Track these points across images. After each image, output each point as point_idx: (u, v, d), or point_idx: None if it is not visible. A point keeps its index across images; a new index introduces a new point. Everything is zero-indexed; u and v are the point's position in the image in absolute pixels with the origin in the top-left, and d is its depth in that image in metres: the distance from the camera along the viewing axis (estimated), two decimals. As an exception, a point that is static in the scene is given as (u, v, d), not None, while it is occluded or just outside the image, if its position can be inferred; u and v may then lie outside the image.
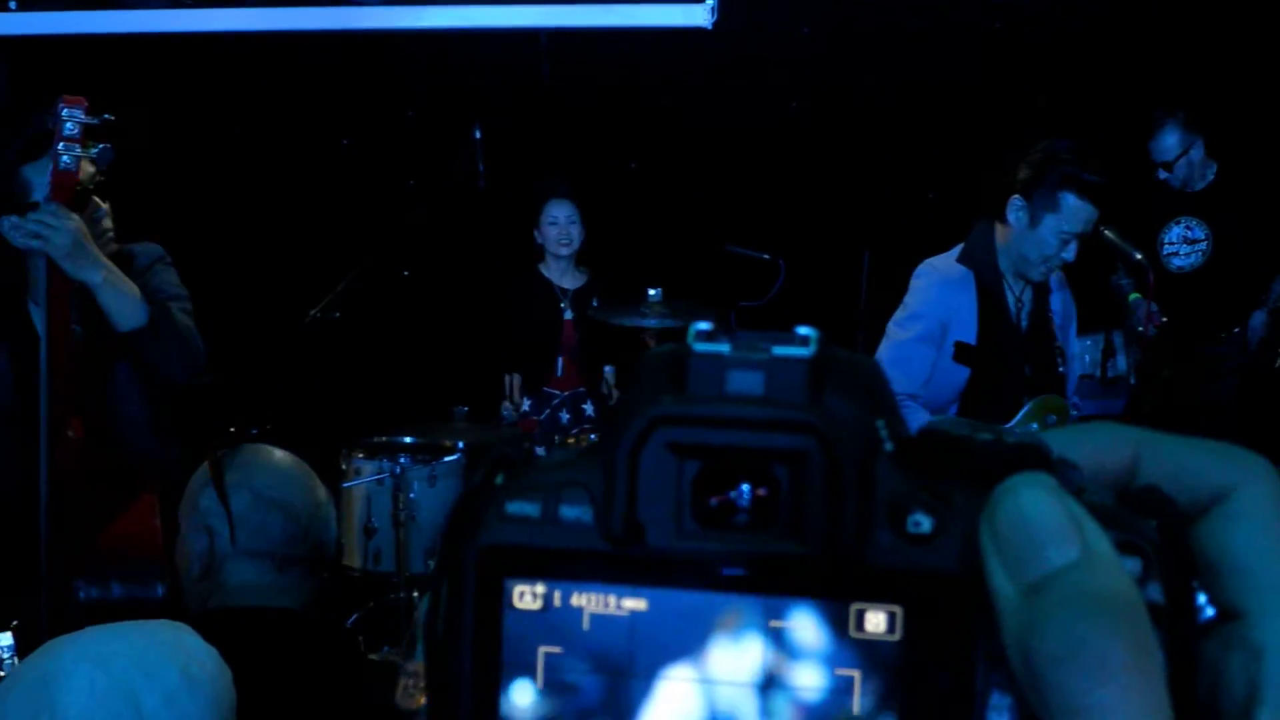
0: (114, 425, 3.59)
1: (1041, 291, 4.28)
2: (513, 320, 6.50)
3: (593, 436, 5.93)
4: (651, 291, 5.93)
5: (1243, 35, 6.88)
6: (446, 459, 6.09)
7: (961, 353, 4.17)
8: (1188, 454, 0.51)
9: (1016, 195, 4.16)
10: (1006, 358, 4.21)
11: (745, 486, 0.47)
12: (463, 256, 7.18)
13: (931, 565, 0.45)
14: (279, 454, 2.56)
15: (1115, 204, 4.18)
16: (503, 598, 0.48)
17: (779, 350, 0.47)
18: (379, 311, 6.90)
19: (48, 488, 3.27)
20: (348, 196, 7.17)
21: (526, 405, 6.47)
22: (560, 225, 6.38)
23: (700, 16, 6.92)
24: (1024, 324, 4.25)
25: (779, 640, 0.46)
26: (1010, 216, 4.18)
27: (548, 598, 0.47)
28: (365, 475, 5.99)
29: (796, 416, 0.46)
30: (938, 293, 4.20)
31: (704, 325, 0.49)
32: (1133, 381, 5.40)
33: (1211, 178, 6.31)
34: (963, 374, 4.19)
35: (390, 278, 6.89)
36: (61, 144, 3.31)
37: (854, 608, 0.46)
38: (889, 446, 0.46)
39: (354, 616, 5.95)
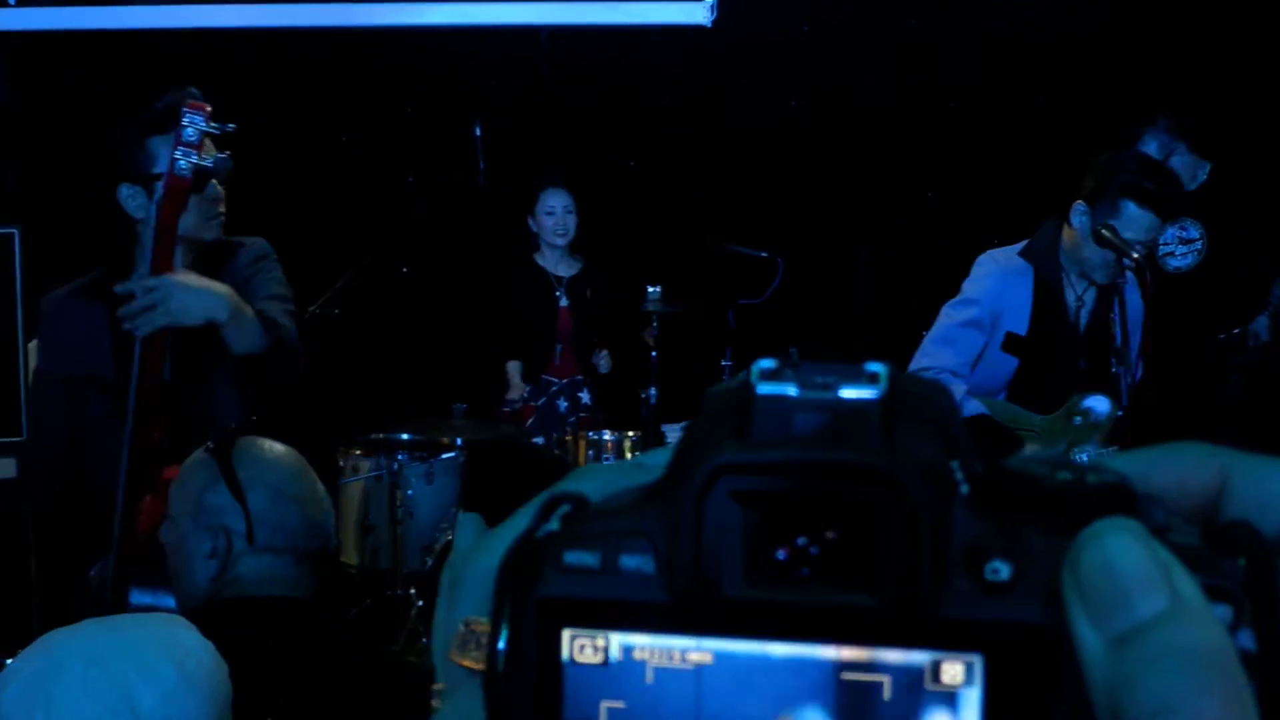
0: (205, 432, 3.57)
1: (1108, 294, 4.32)
2: (509, 309, 6.51)
3: (590, 434, 5.94)
4: (651, 288, 5.93)
5: (1241, 34, 6.88)
6: (444, 456, 6.09)
7: (1010, 342, 4.29)
8: (1277, 476, 0.49)
9: (1080, 201, 4.25)
10: (1058, 353, 4.30)
11: (814, 535, 0.45)
12: (462, 254, 7.17)
13: (1011, 615, 0.43)
14: (279, 447, 2.55)
15: (1180, 213, 4.18)
16: (561, 651, 0.46)
17: (847, 390, 0.45)
18: (378, 308, 6.89)
19: (125, 490, 3.24)
20: (347, 193, 7.16)
21: (526, 392, 6.48)
22: (557, 215, 6.39)
23: (699, 15, 6.92)
24: (1083, 322, 4.32)
25: (851, 694, 0.44)
26: (1074, 221, 4.27)
27: (608, 650, 0.46)
28: (363, 472, 5.99)
29: (867, 461, 0.44)
30: (993, 282, 4.33)
31: (768, 364, 0.46)
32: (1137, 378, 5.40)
33: (1204, 178, 6.30)
34: (1011, 363, 4.31)
35: (389, 275, 6.88)
36: (179, 149, 3.26)
37: (930, 659, 0.44)
38: (964, 490, 0.44)
39: (352, 613, 5.94)
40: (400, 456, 5.92)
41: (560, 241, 6.44)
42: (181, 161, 3.25)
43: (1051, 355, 4.31)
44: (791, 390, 0.46)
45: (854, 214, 7.21)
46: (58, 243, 4.35)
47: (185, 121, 3.25)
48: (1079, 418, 4.25)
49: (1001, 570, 0.43)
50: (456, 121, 6.27)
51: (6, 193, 6.58)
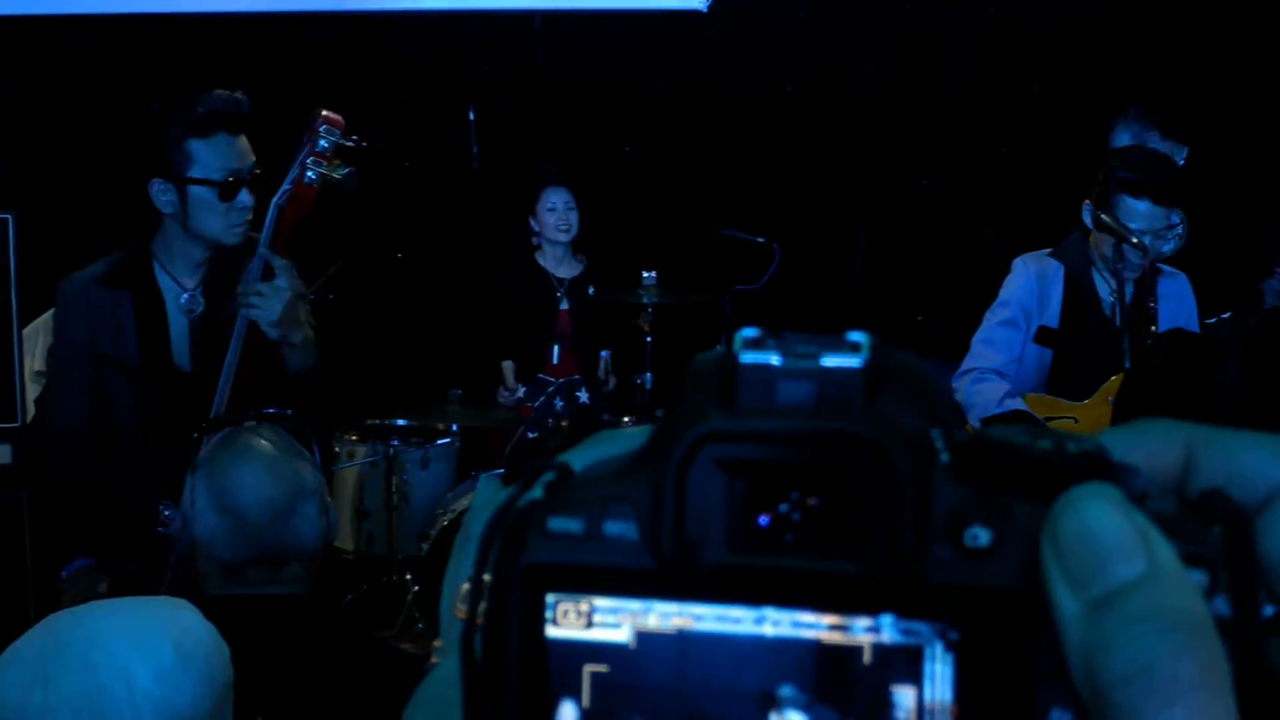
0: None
1: (1144, 287, 4.50)
2: (509, 309, 6.51)
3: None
4: (646, 274, 5.93)
5: (1237, 24, 6.88)
6: (439, 442, 6.10)
7: (1042, 335, 4.52)
8: (1242, 449, 0.49)
9: (1087, 201, 4.45)
10: (1093, 344, 4.48)
11: (796, 502, 0.45)
12: (456, 239, 7.17)
13: (991, 581, 0.43)
14: (260, 450, 2.52)
15: (1181, 199, 4.39)
16: (545, 615, 0.46)
17: (829, 359, 0.46)
18: (372, 295, 6.89)
19: None
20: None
21: (521, 392, 6.47)
22: (558, 212, 6.38)
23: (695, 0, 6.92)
24: (1119, 317, 4.44)
25: (832, 658, 0.45)
26: (1087, 221, 4.48)
27: (591, 615, 0.46)
28: (358, 458, 5.99)
29: (849, 429, 0.44)
30: (1022, 281, 4.56)
31: (751, 332, 0.47)
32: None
33: (1181, 162, 6.31)
34: (1045, 357, 4.53)
35: (384, 260, 6.88)
36: (310, 158, 3.30)
37: (910, 625, 0.44)
38: (945, 457, 0.45)
39: (347, 599, 5.94)
40: (395, 442, 5.93)
41: (563, 238, 6.42)
42: (311, 171, 3.34)
43: (1086, 347, 4.51)
44: (775, 359, 0.46)
45: (849, 200, 7.22)
46: (50, 228, 4.34)
47: (321, 132, 3.28)
48: (1114, 399, 4.33)
49: (981, 537, 0.44)
50: (450, 107, 6.26)
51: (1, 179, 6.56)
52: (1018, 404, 4.36)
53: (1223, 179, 6.29)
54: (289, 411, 2.69)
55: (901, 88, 7.22)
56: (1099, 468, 0.45)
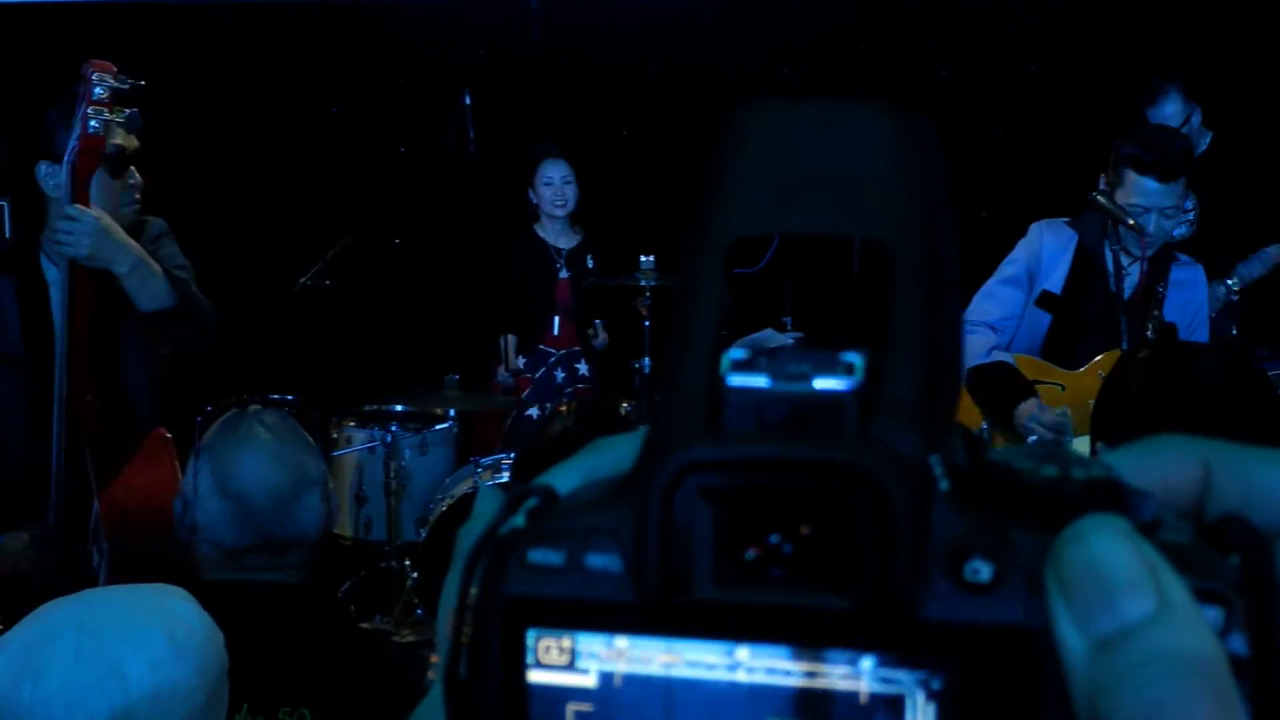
0: (122, 391, 3.59)
1: (1156, 267, 4.49)
2: (509, 281, 6.52)
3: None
4: (644, 258, 5.91)
5: (1239, 4, 6.87)
6: (438, 427, 6.08)
7: (1044, 299, 4.53)
8: (1263, 469, 0.47)
9: (1101, 177, 4.48)
10: (1093, 315, 4.50)
11: (786, 534, 0.43)
12: (455, 223, 7.16)
13: (993, 617, 0.41)
14: (264, 435, 2.50)
15: (1188, 176, 4.38)
16: (526, 652, 0.44)
17: (821, 381, 0.43)
18: (370, 279, 6.87)
19: (62, 448, 3.27)
20: (338, 164, 7.14)
21: (521, 364, 6.49)
22: (555, 186, 6.40)
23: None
24: (1126, 290, 4.48)
25: (826, 698, 0.43)
26: (1099, 197, 4.46)
27: (574, 652, 0.44)
28: (356, 443, 5.98)
29: (840, 457, 0.42)
30: (1033, 244, 4.58)
31: (738, 354, 0.44)
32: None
33: (1205, 148, 6.29)
34: (1044, 319, 4.53)
35: (382, 245, 6.86)
36: (90, 108, 3.30)
37: (908, 661, 0.42)
38: (944, 485, 0.42)
39: (345, 585, 5.94)
40: (394, 427, 5.92)
41: (559, 212, 6.45)
42: (94, 121, 3.31)
43: (1086, 316, 4.52)
44: (763, 382, 0.43)
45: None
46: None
47: (94, 80, 3.28)
48: (1104, 373, 4.32)
49: (982, 570, 0.41)
50: (448, 90, 6.25)
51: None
52: (1005, 358, 4.38)
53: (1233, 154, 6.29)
54: (291, 397, 2.66)
55: (898, 68, 7.20)
56: (1108, 495, 0.43)
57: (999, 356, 4.38)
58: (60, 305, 3.36)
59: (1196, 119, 6.19)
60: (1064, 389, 4.37)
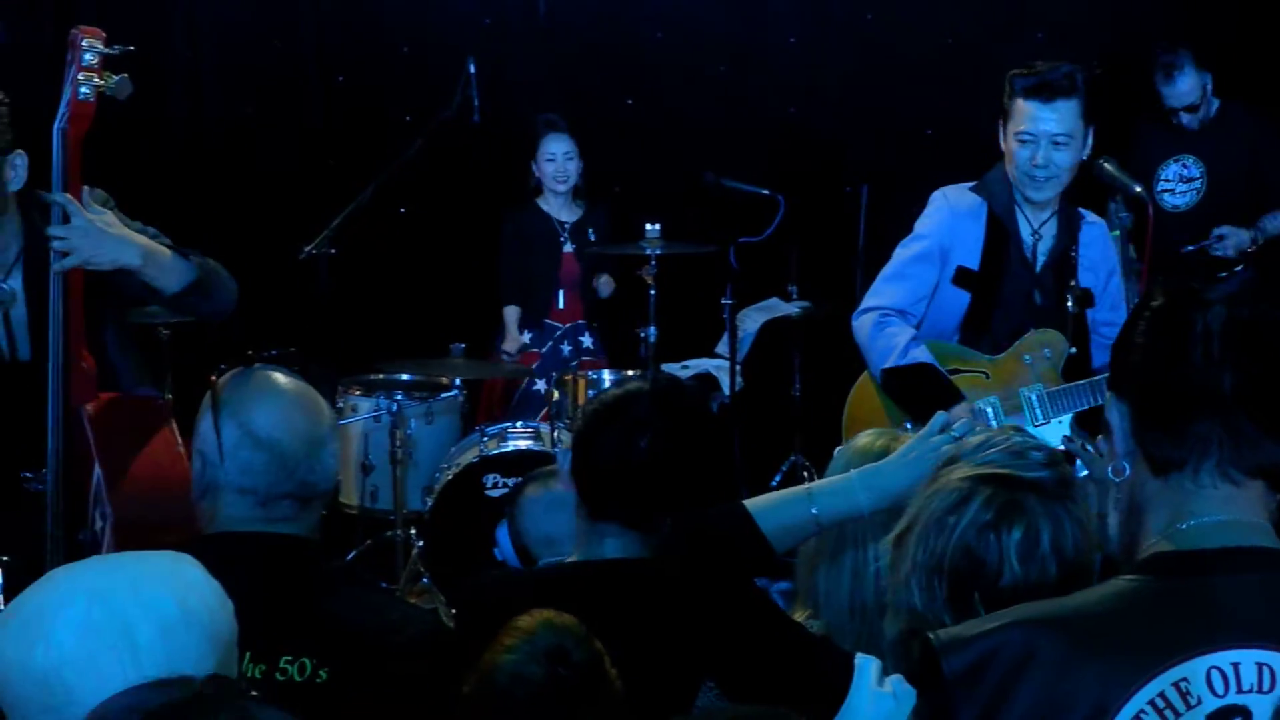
0: (103, 352, 3.54)
1: (1067, 229, 4.33)
2: (513, 254, 6.51)
3: (590, 375, 5.92)
4: (650, 226, 5.90)
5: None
6: (443, 395, 6.09)
7: (961, 277, 4.28)
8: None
9: (998, 123, 4.32)
10: (1012, 288, 4.29)
11: None
12: (459, 192, 7.14)
13: None
14: (284, 384, 2.48)
15: (1069, 98, 4.17)
16: None
17: None
18: (375, 248, 6.87)
19: (59, 412, 3.24)
20: (343, 133, 7.12)
21: (526, 338, 6.49)
22: (558, 161, 6.40)
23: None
24: (1040, 258, 4.31)
25: None
26: (1001, 143, 4.32)
27: None
28: (362, 412, 5.98)
29: None
30: (942, 217, 4.33)
31: None
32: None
33: (1213, 115, 6.28)
34: (962, 300, 4.29)
35: (386, 214, 6.85)
36: (81, 74, 3.26)
37: None
38: None
39: (351, 554, 5.95)
40: (399, 396, 5.92)
41: (561, 188, 6.47)
42: (84, 87, 3.25)
43: (1005, 290, 4.31)
44: None
45: (854, 151, 7.17)
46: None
47: (84, 46, 3.23)
48: (1029, 356, 4.24)
49: None
50: (452, 59, 6.22)
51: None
52: (923, 355, 4.14)
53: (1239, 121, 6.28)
54: (293, 349, 2.64)
55: (905, 37, 7.17)
56: None
57: (916, 356, 4.12)
58: (53, 270, 3.29)
59: (1209, 85, 6.18)
60: (988, 377, 4.23)
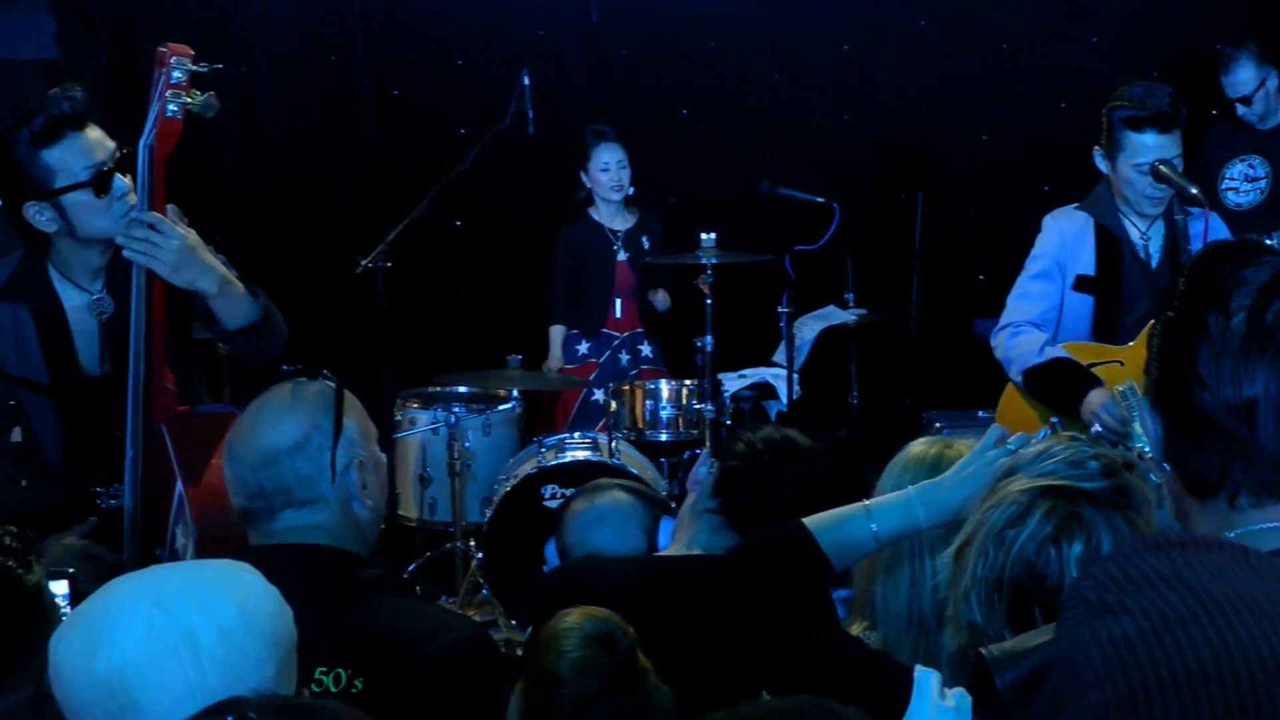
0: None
1: (1174, 228, 4.52)
2: (563, 272, 6.52)
3: (648, 385, 5.92)
4: (705, 235, 5.89)
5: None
6: (501, 408, 6.10)
7: (1081, 283, 4.51)
8: None
9: (1096, 147, 4.48)
10: (1132, 288, 4.50)
11: None
12: (514, 204, 7.17)
13: None
14: (280, 394, 2.53)
15: (1178, 125, 4.34)
16: None
17: None
18: (431, 261, 6.89)
19: (138, 432, 3.26)
20: (399, 147, 7.15)
21: (584, 348, 6.49)
22: (611, 171, 6.39)
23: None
24: (1155, 255, 4.51)
25: None
26: (1101, 168, 4.50)
27: None
28: (420, 425, 5.99)
29: None
30: (1052, 235, 4.58)
31: None
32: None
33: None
34: (1087, 302, 4.52)
35: (442, 226, 6.88)
36: (169, 91, 3.27)
37: None
38: None
39: (411, 567, 5.96)
40: (457, 408, 5.93)
41: (615, 196, 6.45)
42: (172, 104, 3.27)
43: (1124, 289, 4.51)
44: None
45: (909, 158, 7.14)
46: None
47: (172, 64, 3.25)
48: None
49: None
50: (507, 71, 6.24)
51: None
52: (1058, 351, 4.37)
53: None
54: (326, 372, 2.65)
55: (959, 45, 7.14)
56: None
57: (1052, 353, 4.37)
58: (136, 284, 3.30)
59: (1271, 83, 6.13)
60: (1123, 364, 4.36)
